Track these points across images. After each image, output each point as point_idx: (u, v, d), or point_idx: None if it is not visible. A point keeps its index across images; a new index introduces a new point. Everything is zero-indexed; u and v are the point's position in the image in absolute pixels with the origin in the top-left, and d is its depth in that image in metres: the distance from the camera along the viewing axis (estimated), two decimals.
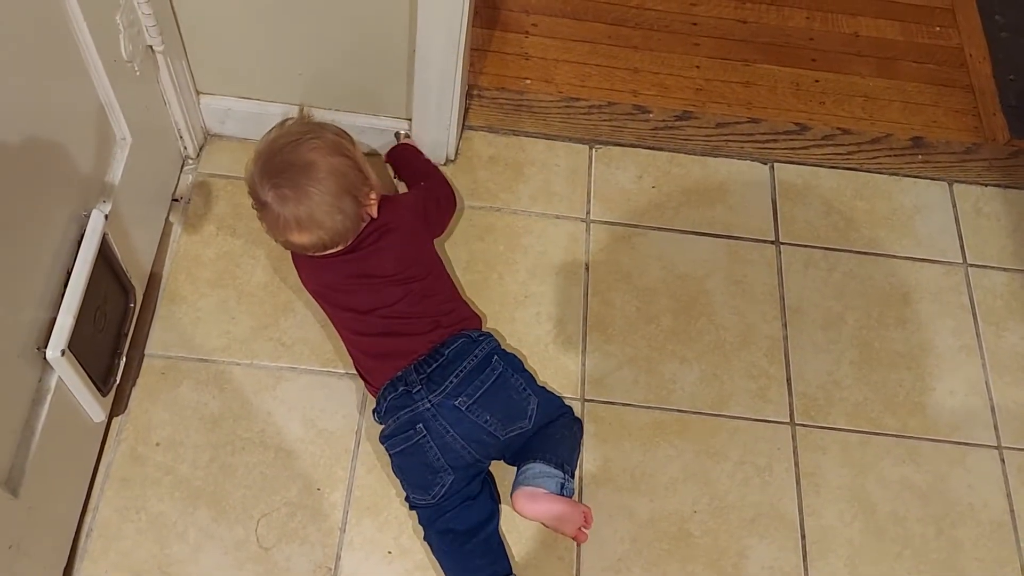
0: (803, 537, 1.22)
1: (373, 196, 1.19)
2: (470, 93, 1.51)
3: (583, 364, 1.31)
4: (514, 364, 1.19)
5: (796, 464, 1.27)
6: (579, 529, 1.14)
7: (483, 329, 1.25)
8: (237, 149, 1.42)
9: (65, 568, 1.11)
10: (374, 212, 1.19)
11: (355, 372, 1.24)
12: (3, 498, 0.94)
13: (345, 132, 1.22)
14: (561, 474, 1.13)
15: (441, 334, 1.16)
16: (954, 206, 1.51)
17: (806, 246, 1.44)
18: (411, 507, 1.16)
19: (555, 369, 1.30)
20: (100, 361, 1.11)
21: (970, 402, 1.34)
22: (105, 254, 1.09)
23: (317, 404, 1.25)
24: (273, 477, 1.19)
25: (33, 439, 0.99)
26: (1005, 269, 1.46)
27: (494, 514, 1.16)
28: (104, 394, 1.12)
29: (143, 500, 1.17)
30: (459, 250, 1.38)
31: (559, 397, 1.25)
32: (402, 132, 1.41)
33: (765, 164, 1.52)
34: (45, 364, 1.00)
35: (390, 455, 1.16)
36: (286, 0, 1.21)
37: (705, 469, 1.25)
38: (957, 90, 1.65)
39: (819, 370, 1.34)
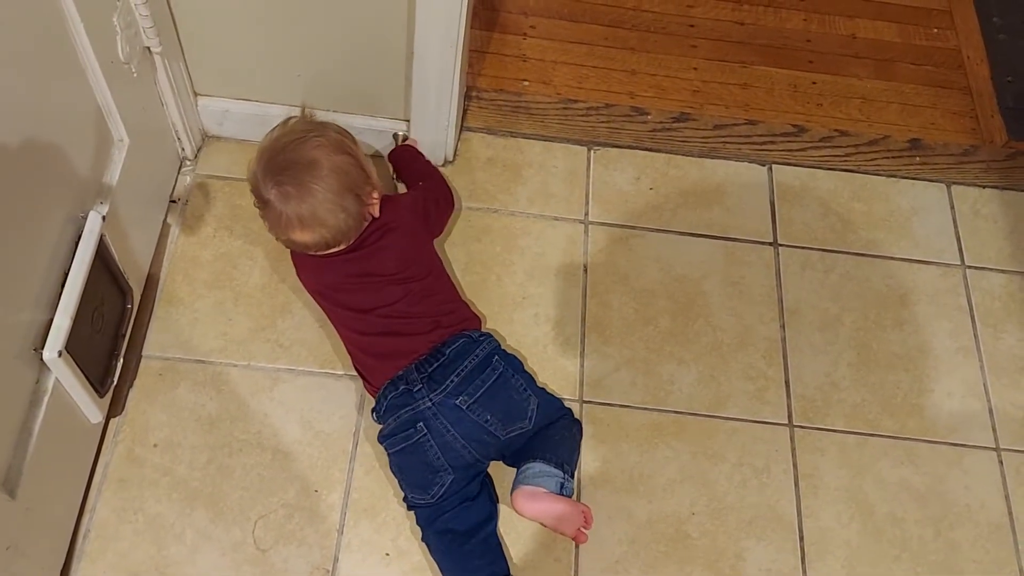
0: (801, 539, 1.22)
1: (375, 195, 1.19)
2: (468, 95, 1.51)
3: (581, 365, 1.31)
4: (514, 365, 1.19)
5: (794, 465, 1.27)
6: (579, 529, 1.14)
7: (482, 330, 1.25)
8: (235, 150, 1.42)
9: (62, 569, 1.11)
10: (376, 211, 1.19)
11: (353, 373, 1.24)
12: (0, 499, 0.94)
13: (347, 131, 1.22)
14: (561, 474, 1.13)
15: (442, 334, 1.16)
16: (952, 208, 1.52)
17: (804, 248, 1.45)
18: (409, 507, 1.16)
19: (553, 370, 1.30)
20: (97, 362, 1.11)
21: (968, 404, 1.34)
22: (102, 255, 1.09)
23: (315, 405, 1.24)
24: (271, 478, 1.19)
25: (30, 440, 0.99)
26: (1003, 271, 1.46)
27: (493, 515, 1.16)
28: (101, 395, 1.12)
29: (140, 501, 1.16)
30: (457, 251, 1.38)
31: (559, 399, 1.25)
32: (400, 133, 1.41)
33: (763, 166, 1.53)
34: (42, 365, 1.00)
35: (389, 454, 1.16)
36: (284, 2, 1.21)
37: (703, 471, 1.25)
38: (955, 92, 1.65)
39: (817, 371, 1.34)
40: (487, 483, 1.18)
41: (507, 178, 1.46)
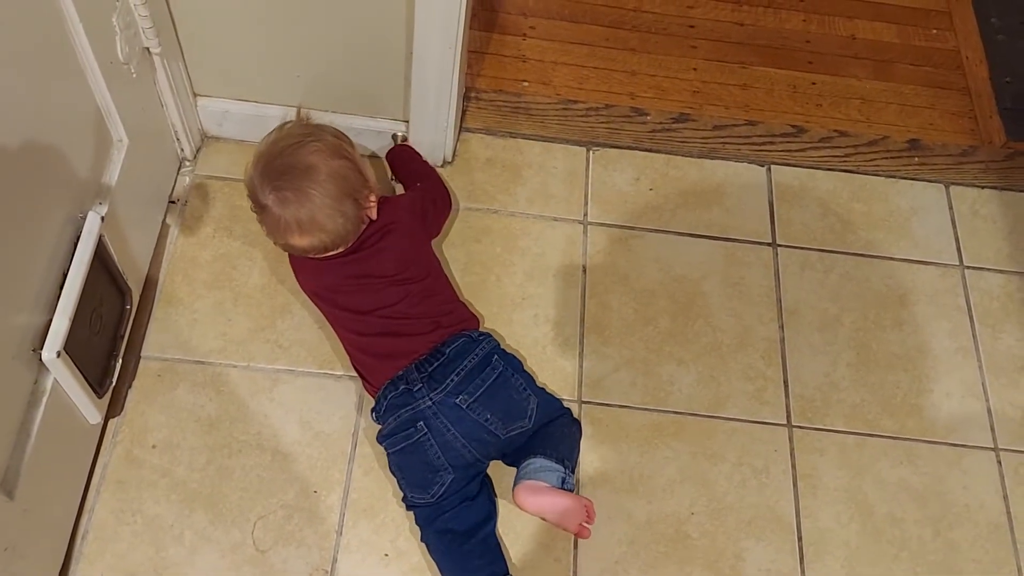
0: (800, 539, 1.22)
1: (373, 198, 1.19)
2: (468, 95, 1.51)
3: (580, 366, 1.31)
4: (514, 364, 1.19)
5: (793, 466, 1.27)
6: (581, 524, 1.14)
7: (481, 330, 1.25)
8: (234, 151, 1.42)
9: (61, 570, 1.11)
10: (374, 214, 1.20)
11: (353, 374, 1.24)
12: None
13: (344, 134, 1.22)
14: (562, 468, 1.14)
15: (441, 334, 1.17)
16: (951, 208, 1.52)
17: (803, 248, 1.45)
18: (409, 507, 1.16)
19: (553, 371, 1.30)
20: (96, 363, 1.11)
21: (967, 404, 1.34)
22: (101, 256, 1.08)
23: (314, 406, 1.24)
24: (270, 479, 1.19)
25: (29, 441, 0.99)
26: (1001, 271, 1.46)
27: (492, 515, 1.16)
28: (100, 396, 1.12)
29: (139, 502, 1.16)
30: (456, 252, 1.38)
31: (558, 399, 1.25)
32: (399, 134, 1.41)
33: (762, 166, 1.53)
34: (41, 366, 1.00)
35: (389, 454, 1.16)
36: (283, 2, 1.21)
37: (702, 471, 1.25)
38: (953, 93, 1.65)
39: (816, 372, 1.34)
40: (487, 483, 1.18)
41: (506, 179, 1.46)
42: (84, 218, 1.06)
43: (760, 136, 1.55)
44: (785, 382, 1.33)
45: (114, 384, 1.16)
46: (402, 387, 1.14)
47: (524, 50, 1.61)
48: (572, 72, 1.59)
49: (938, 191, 1.53)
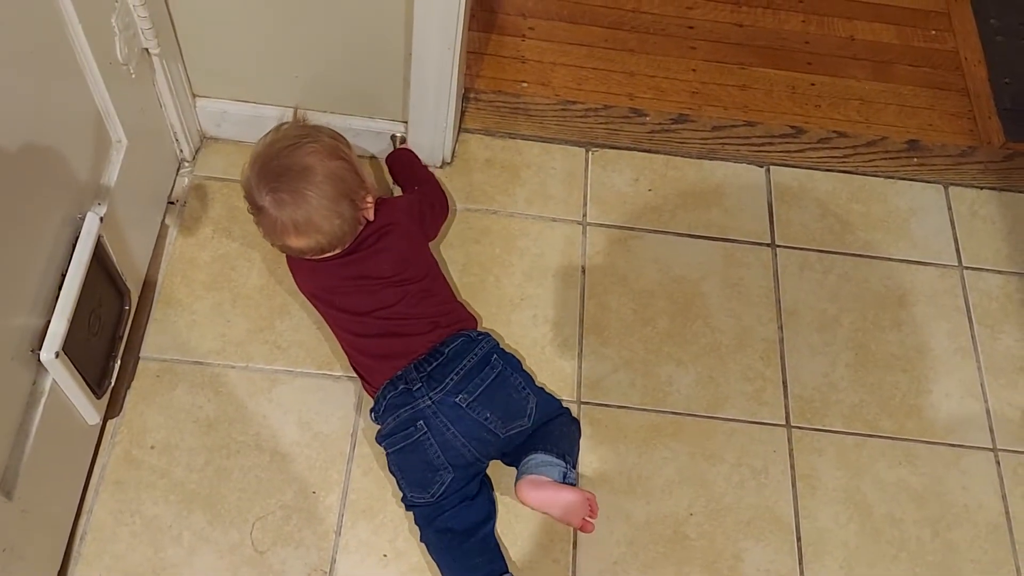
0: (799, 539, 1.22)
1: (370, 200, 1.19)
2: (466, 96, 1.52)
3: (579, 367, 1.31)
4: (513, 363, 1.19)
5: (792, 466, 1.27)
6: (585, 519, 1.14)
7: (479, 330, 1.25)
8: (233, 152, 1.42)
9: (59, 571, 1.11)
10: (371, 215, 1.20)
11: (351, 374, 1.24)
12: None
13: (340, 135, 1.22)
14: (563, 463, 1.14)
15: (440, 334, 1.17)
16: (949, 209, 1.52)
17: (802, 249, 1.45)
18: (408, 507, 1.16)
19: (551, 372, 1.30)
20: (95, 364, 1.11)
21: (966, 404, 1.34)
22: (100, 257, 1.08)
23: (313, 407, 1.24)
24: (268, 480, 1.19)
25: (27, 442, 0.99)
26: (1000, 272, 1.46)
27: (492, 515, 1.16)
28: (99, 397, 1.12)
29: (138, 503, 1.16)
30: (455, 252, 1.38)
31: (557, 399, 1.25)
32: (398, 135, 1.41)
33: (761, 167, 1.53)
34: (39, 366, 1.00)
35: (388, 454, 1.16)
36: (282, 3, 1.21)
37: (701, 472, 1.25)
38: (952, 93, 1.65)
39: (815, 372, 1.34)
40: (486, 483, 1.18)
41: (505, 179, 1.46)
42: (83, 219, 1.06)
43: (759, 137, 1.55)
44: (784, 383, 1.33)
45: (113, 385, 1.16)
46: (401, 387, 1.14)
47: (523, 51, 1.61)
48: (571, 73, 1.59)
49: (937, 192, 1.53)
